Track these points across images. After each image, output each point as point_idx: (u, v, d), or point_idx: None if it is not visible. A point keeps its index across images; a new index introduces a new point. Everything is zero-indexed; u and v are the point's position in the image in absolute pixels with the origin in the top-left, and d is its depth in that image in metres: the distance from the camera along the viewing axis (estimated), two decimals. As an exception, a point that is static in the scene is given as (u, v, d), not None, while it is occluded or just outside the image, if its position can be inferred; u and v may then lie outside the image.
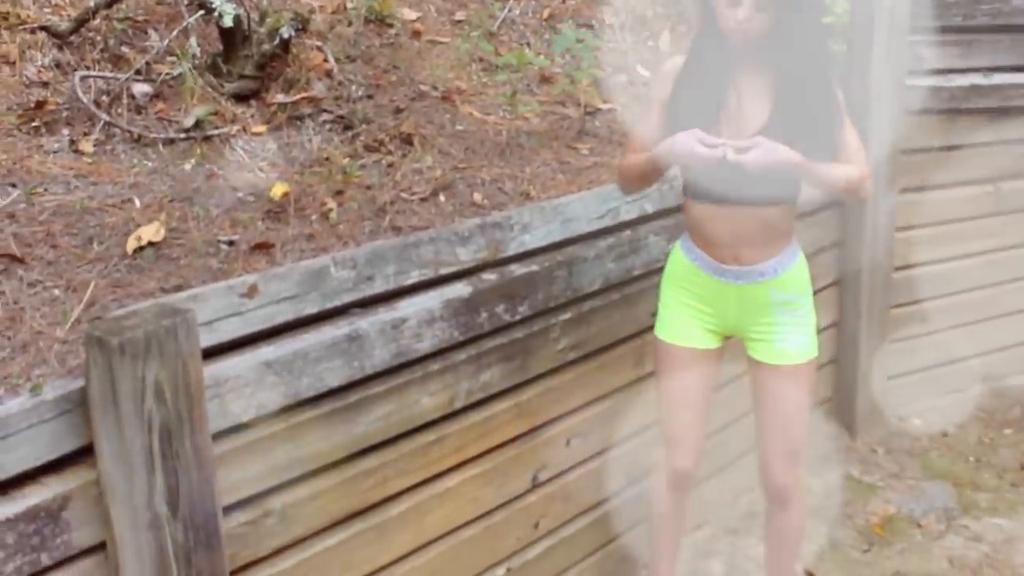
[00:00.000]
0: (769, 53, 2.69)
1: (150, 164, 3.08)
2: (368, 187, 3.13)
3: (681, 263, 2.97)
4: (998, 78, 4.44)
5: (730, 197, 2.75)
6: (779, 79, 2.70)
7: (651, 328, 3.39)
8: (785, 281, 2.89)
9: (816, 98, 2.71)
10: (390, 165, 3.28)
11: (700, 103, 2.73)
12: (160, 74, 3.38)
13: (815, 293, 3.02)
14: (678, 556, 3.31)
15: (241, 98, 3.40)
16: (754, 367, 2.99)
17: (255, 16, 3.51)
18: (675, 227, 3.30)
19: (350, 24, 3.83)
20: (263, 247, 2.77)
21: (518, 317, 2.98)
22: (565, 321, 3.13)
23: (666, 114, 2.78)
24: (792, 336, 2.92)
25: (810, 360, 2.95)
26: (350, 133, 3.39)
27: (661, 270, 3.35)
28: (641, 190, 3.11)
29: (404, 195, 3.13)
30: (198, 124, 3.23)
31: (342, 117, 3.44)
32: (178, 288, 2.51)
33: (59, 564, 2.14)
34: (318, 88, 3.53)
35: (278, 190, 2.99)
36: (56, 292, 2.52)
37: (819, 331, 3.05)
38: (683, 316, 2.98)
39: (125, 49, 3.46)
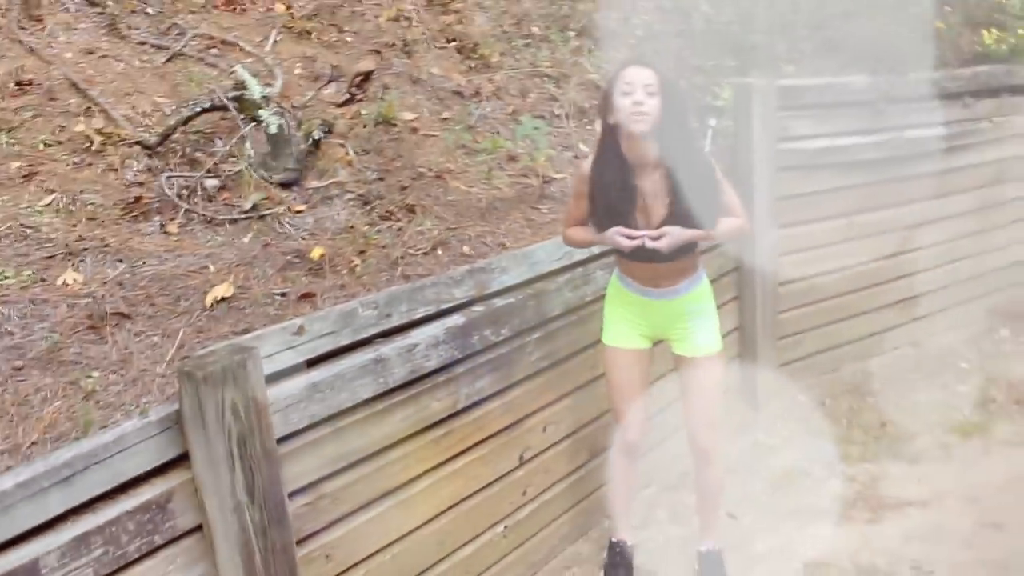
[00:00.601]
0: (657, 149, 2.73)
1: (220, 239, 3.08)
2: (384, 246, 3.14)
3: (618, 289, 3.01)
4: (843, 140, 4.49)
5: (651, 258, 2.82)
6: (667, 173, 2.75)
7: (600, 340, 3.41)
8: (694, 296, 2.95)
9: (700, 181, 2.76)
10: (399, 229, 3.28)
11: (616, 204, 2.78)
12: (224, 171, 3.38)
13: (721, 306, 3.07)
14: (631, 509, 3.32)
15: (285, 186, 3.41)
16: (678, 360, 3.02)
17: (293, 123, 3.52)
18: (613, 263, 3.29)
19: (364, 126, 3.84)
20: (307, 296, 2.77)
21: (502, 338, 2.98)
22: (537, 339, 3.13)
23: (593, 210, 2.84)
24: (702, 334, 2.97)
25: (718, 352, 3.00)
26: (368, 207, 3.39)
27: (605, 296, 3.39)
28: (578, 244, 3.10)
29: (411, 251, 3.14)
30: (254, 207, 3.23)
31: (361, 195, 3.44)
32: (245, 331, 2.51)
33: (168, 543, 2.15)
34: (342, 175, 3.53)
35: (316, 252, 2.99)
36: (155, 339, 2.52)
37: (725, 335, 3.08)
38: (622, 326, 3.01)
39: (198, 154, 3.46)
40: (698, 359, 2.97)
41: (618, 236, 2.74)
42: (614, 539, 3.28)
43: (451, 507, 2.90)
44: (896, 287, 4.87)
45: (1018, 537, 3.40)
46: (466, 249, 3.21)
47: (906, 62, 4.69)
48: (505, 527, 3.14)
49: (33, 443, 2.14)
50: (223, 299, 2.70)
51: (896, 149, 4.60)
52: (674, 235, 2.72)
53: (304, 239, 3.14)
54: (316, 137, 3.49)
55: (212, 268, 2.87)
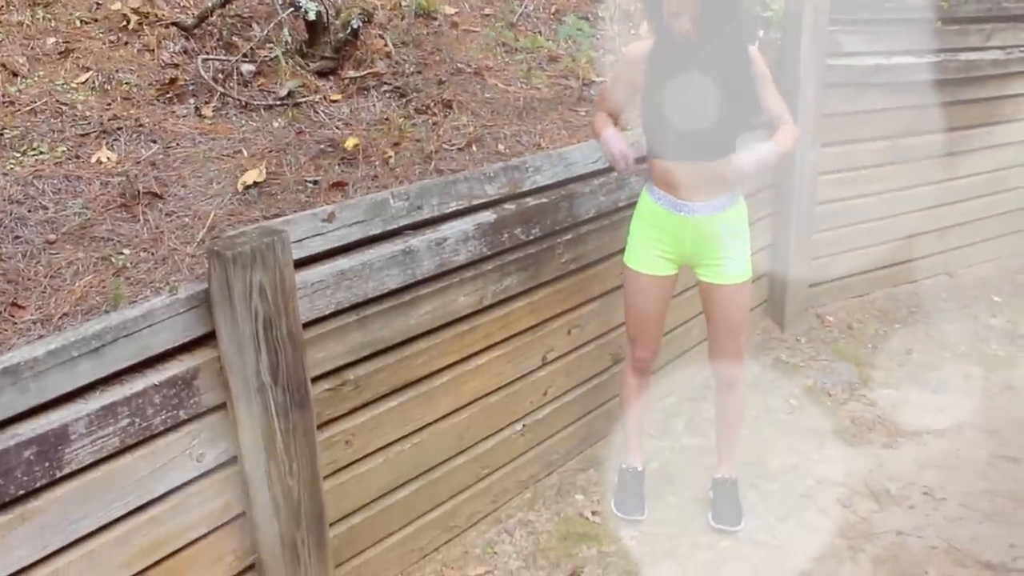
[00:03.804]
0: (705, 51, 2.63)
1: (254, 124, 3.05)
2: (418, 140, 3.10)
3: (648, 204, 2.90)
4: (896, 59, 4.35)
5: (685, 155, 2.72)
6: (717, 75, 2.64)
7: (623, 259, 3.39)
8: (731, 215, 2.84)
9: (746, 85, 2.69)
10: (435, 123, 3.24)
11: (668, 94, 2.67)
12: (261, 57, 3.33)
13: (756, 222, 3.00)
14: (644, 426, 3.30)
15: (322, 74, 3.36)
16: (704, 288, 2.93)
17: (332, 11, 3.45)
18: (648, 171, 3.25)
19: (403, 18, 3.76)
20: (339, 185, 2.75)
21: (532, 237, 2.96)
22: (567, 241, 3.11)
23: (644, 97, 2.73)
24: (735, 262, 2.88)
25: (747, 280, 2.91)
26: (404, 100, 3.34)
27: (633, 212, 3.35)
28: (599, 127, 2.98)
29: (445, 146, 3.10)
30: (290, 94, 3.19)
31: (398, 88, 3.39)
32: (276, 216, 2.51)
33: (193, 419, 2.17)
34: (380, 66, 3.48)
35: (350, 143, 2.96)
36: (186, 219, 2.52)
37: (757, 251, 3.02)
38: (648, 248, 2.90)
39: (235, 38, 3.41)
40: (726, 288, 2.88)
41: (615, 147, 2.72)
42: (624, 465, 3.25)
43: (472, 402, 2.92)
44: (935, 214, 4.78)
45: (1035, 469, 3.39)
46: (501, 147, 3.16)
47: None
48: (524, 425, 3.17)
49: (64, 314, 2.17)
50: (255, 184, 2.69)
51: (949, 71, 4.45)
52: (754, 167, 2.61)
53: (338, 129, 3.11)
54: (355, 26, 3.42)
55: (245, 153, 2.85)
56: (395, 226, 2.58)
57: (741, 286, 2.89)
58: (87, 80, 3.01)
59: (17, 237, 2.37)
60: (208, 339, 2.17)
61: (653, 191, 2.88)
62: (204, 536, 2.25)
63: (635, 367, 3.10)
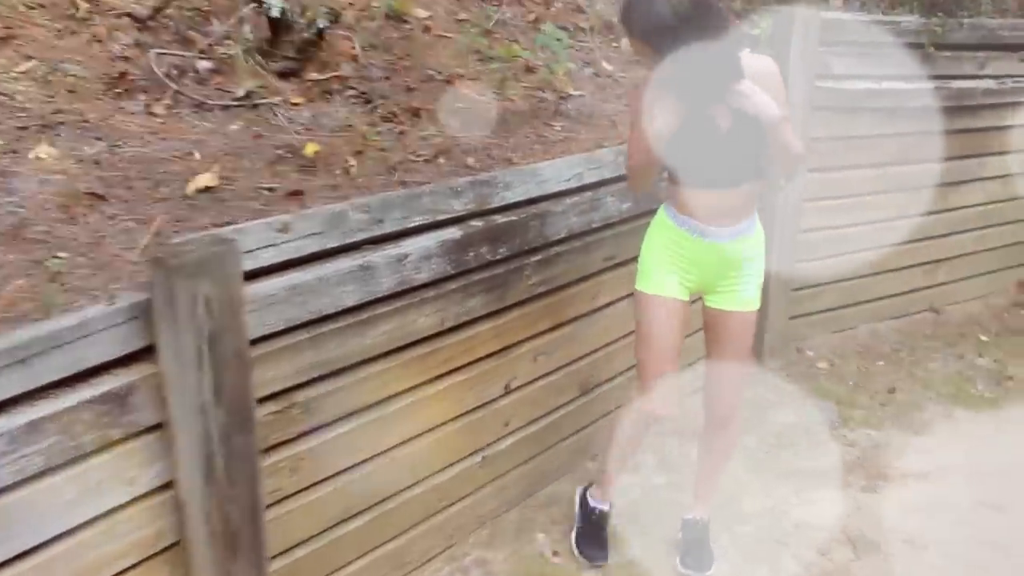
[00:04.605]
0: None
1: (209, 125, 3.03)
2: (382, 149, 3.09)
3: (667, 228, 2.83)
4: (887, 84, 4.41)
5: (719, 183, 2.71)
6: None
7: (604, 271, 3.41)
8: (754, 239, 2.85)
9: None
10: (401, 132, 3.24)
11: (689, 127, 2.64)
12: (219, 54, 3.31)
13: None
14: (627, 464, 3.25)
15: (283, 75, 3.35)
16: (713, 315, 2.90)
17: (297, 9, 3.44)
18: (626, 190, 3.27)
19: (373, 19, 3.76)
20: (296, 194, 2.73)
21: (499, 257, 2.96)
22: (536, 262, 3.11)
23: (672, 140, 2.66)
24: (750, 287, 2.88)
25: (757, 308, 2.92)
26: (370, 106, 3.34)
27: (614, 224, 3.37)
28: (647, 182, 2.89)
29: (411, 157, 3.09)
30: (248, 95, 3.18)
31: (364, 93, 3.39)
32: (227, 223, 2.47)
33: (126, 438, 2.14)
34: (345, 69, 3.47)
35: (310, 149, 2.95)
36: (130, 224, 2.49)
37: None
38: (667, 274, 2.84)
39: (192, 33, 3.39)
40: (739, 314, 2.86)
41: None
42: (593, 504, 3.20)
43: (429, 430, 2.91)
44: (923, 248, 4.84)
45: (1019, 519, 3.42)
46: (470, 160, 3.17)
47: (962, 5, 4.59)
48: (484, 457, 3.16)
49: (-9, 320, 2.13)
50: (206, 188, 2.66)
51: (941, 99, 4.52)
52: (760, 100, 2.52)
53: (298, 134, 3.09)
54: (320, 26, 3.41)
55: (197, 155, 2.83)
56: (354, 240, 2.56)
57: (752, 314, 2.90)
58: (28, 70, 2.98)
59: (-56, 236, 2.33)
60: (147, 353, 2.14)
61: (675, 216, 2.82)
62: (134, 566, 2.21)
63: (642, 420, 2.97)
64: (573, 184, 3.20)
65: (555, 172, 3.14)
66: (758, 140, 2.64)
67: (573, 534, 3.22)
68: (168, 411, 2.16)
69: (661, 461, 3.71)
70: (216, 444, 2.21)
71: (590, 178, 3.26)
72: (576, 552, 3.16)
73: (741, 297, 2.87)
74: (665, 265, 2.84)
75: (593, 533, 3.18)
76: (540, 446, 3.40)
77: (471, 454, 3.11)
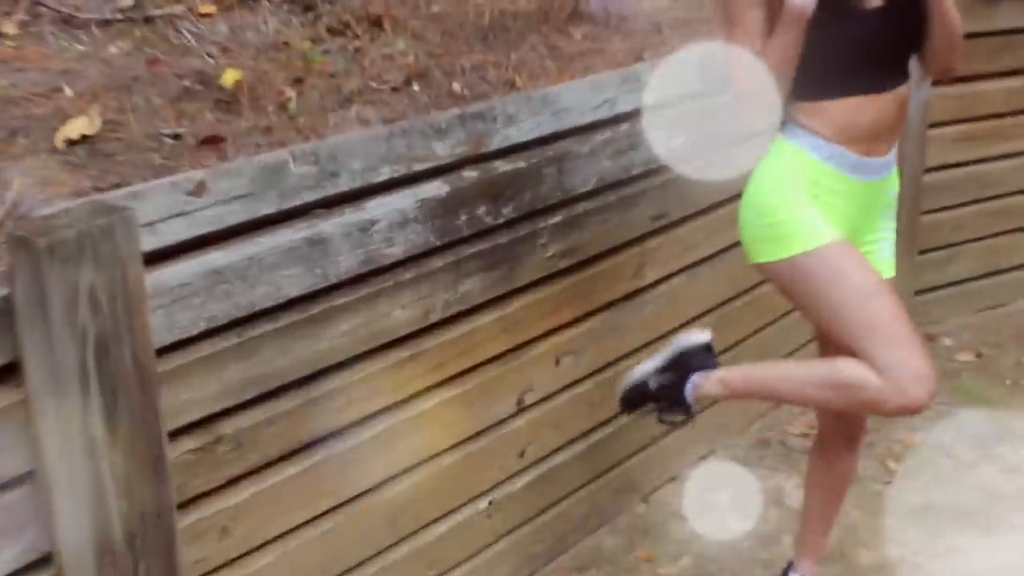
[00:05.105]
0: None
1: (82, 48, 3.03)
2: (332, 75, 3.10)
3: (808, 166, 2.77)
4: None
5: (876, 84, 2.70)
6: None
7: (651, 234, 3.40)
8: (896, 176, 2.90)
9: None
10: (357, 50, 3.24)
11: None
12: (95, -54, 3.31)
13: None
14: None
15: (187, -26, 3.34)
16: None
17: None
18: (682, 117, 3.24)
19: None
20: (212, 141, 2.72)
21: (502, 220, 2.95)
22: (555, 225, 3.10)
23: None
24: (888, 244, 2.91)
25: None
26: (311, 14, 3.35)
27: (662, 170, 3.35)
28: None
29: (373, 84, 3.10)
30: (138, 3, 3.17)
31: (302, -4, 3.39)
32: (116, 186, 2.46)
33: (-19, 496, 2.12)
34: (275, -38, 3.46)
35: (229, 78, 2.94)
36: (-25, 191, 2.48)
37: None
38: (817, 219, 2.76)
39: (54, -82, 3.38)
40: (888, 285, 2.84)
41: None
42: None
43: (413, 467, 2.91)
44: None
45: None
46: (456, 86, 3.17)
47: None
48: (491, 502, 3.16)
49: None
50: (83, 138, 2.65)
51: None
52: None
53: (211, 57, 3.10)
54: (236, -99, 3.40)
55: (68, 91, 2.82)
56: (297, 203, 2.55)
57: (893, 281, 2.89)
58: None
59: None
60: (8, 374, 2.11)
61: (818, 146, 2.76)
62: None
63: (911, 400, 2.70)
64: (603, 114, 3.19)
65: (577, 98, 3.12)
66: (915, 19, 2.66)
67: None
68: (41, 455, 2.14)
69: (738, 497, 3.72)
70: (112, 500, 2.18)
71: (626, 105, 3.25)
72: None
73: (883, 256, 2.89)
74: (814, 207, 2.77)
75: None
76: (569, 485, 3.41)
77: (473, 499, 3.11)
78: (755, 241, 2.81)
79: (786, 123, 2.80)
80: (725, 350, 3.76)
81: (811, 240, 2.72)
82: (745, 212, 2.83)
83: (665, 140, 3.35)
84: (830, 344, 2.89)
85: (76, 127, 2.66)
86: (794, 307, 2.98)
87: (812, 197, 2.75)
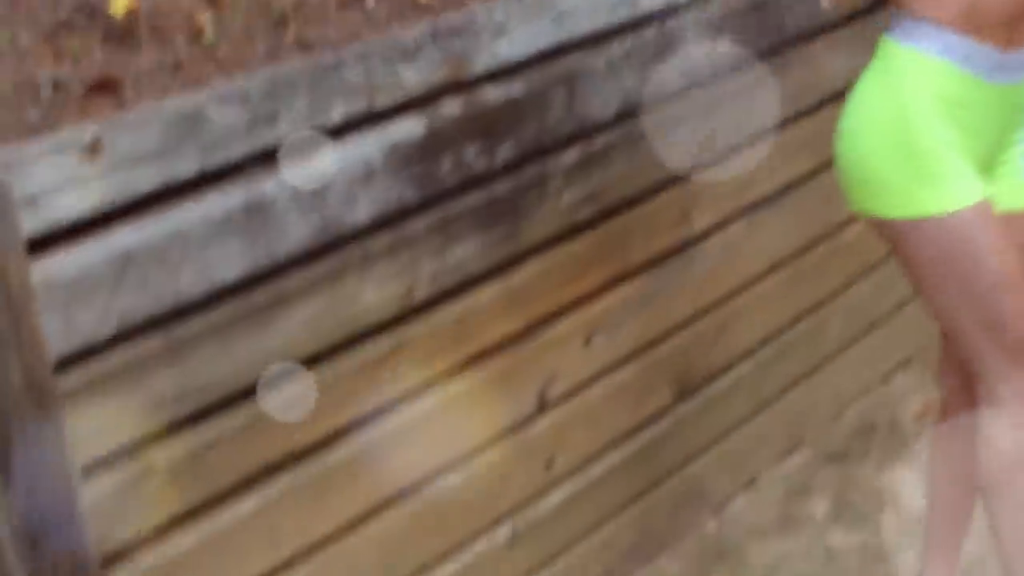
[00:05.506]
0: None
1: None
2: (260, -10, 3.09)
3: (937, 73, 2.77)
4: None
5: None
6: None
7: (697, 168, 3.39)
8: None
9: None
10: (290, -46, 3.22)
11: None
12: None
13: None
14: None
15: None
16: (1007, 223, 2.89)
17: None
18: (727, 14, 3.24)
19: None
20: (105, 86, 2.70)
21: (499, 163, 2.95)
22: (569, 165, 3.10)
23: None
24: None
25: None
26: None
27: (708, 82, 3.33)
28: None
29: (313, -3, 3.09)
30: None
31: None
32: (-16, 151, 2.47)
33: None
34: None
35: (120, 3, 2.92)
36: None
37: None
38: (957, 159, 2.78)
39: None
40: None
41: None
42: None
43: (406, 493, 2.91)
44: None
45: None
46: None
47: None
48: (514, 530, 3.17)
49: None
50: (-68, 95, 2.65)
51: None
52: None
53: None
54: None
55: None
56: (227, 158, 2.53)
57: None
58: None
59: None
60: None
61: (946, 44, 2.75)
62: None
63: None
64: (623, 15, 3.18)
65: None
66: None
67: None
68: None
69: (837, 504, 3.72)
70: (13, 561, 2.19)
71: (656, 0, 3.23)
72: None
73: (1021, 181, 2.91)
74: (947, 145, 2.77)
75: None
76: (613, 502, 3.43)
77: (488, 528, 3.12)
78: (860, 186, 2.83)
79: (897, 17, 2.78)
80: (799, 317, 3.76)
81: (942, 199, 2.73)
82: (846, 147, 2.83)
83: (707, 45, 3.34)
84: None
85: (-79, 81, 2.67)
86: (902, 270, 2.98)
87: (943, 121, 2.74)
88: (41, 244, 2.28)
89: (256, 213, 2.54)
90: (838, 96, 3.53)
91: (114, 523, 2.43)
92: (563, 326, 3.18)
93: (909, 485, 3.73)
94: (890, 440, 3.98)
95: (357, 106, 2.72)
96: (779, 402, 3.73)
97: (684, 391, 3.51)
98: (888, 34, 2.78)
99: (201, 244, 2.46)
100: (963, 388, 3.03)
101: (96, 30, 2.89)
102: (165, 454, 2.49)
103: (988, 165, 2.86)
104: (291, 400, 2.67)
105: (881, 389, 4.18)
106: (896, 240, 2.84)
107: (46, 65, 2.76)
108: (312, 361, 2.69)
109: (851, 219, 3.79)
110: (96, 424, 2.38)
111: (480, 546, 3.10)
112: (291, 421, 2.67)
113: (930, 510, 3.22)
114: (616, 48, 3.17)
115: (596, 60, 3.13)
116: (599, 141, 3.16)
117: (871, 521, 3.62)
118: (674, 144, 3.34)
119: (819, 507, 3.72)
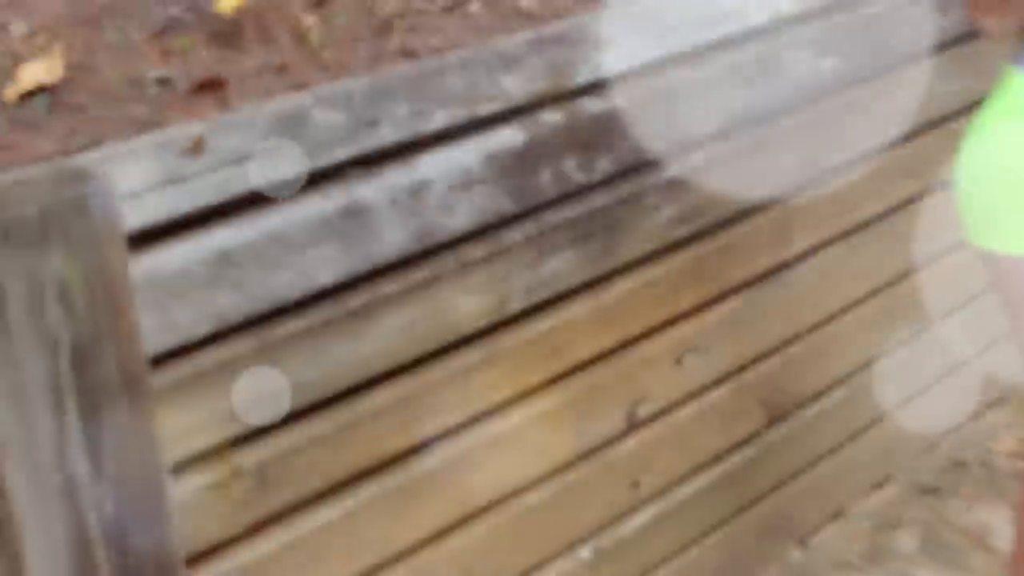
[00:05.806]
0: None
1: (39, -29, 3.07)
2: (365, -6, 3.12)
3: None
4: None
5: None
6: None
7: (799, 188, 3.38)
8: None
9: None
10: (396, -39, 3.24)
11: None
12: None
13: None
14: None
15: None
16: None
17: None
18: (833, 32, 3.23)
19: None
20: (211, 86, 2.74)
21: (597, 176, 2.96)
22: (669, 181, 3.10)
23: None
24: None
25: None
26: (335, -84, 3.36)
27: (819, 97, 3.34)
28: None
29: (419, 3, 3.11)
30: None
31: None
32: (87, 148, 2.49)
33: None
34: None
35: (228, 3, 2.96)
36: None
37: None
38: None
39: None
40: None
41: None
42: None
43: (490, 506, 2.93)
44: None
45: None
46: (526, 2, 3.17)
47: None
48: (596, 549, 3.17)
49: None
50: (41, 88, 2.68)
51: None
52: None
53: (205, -23, 3.12)
54: None
55: (21, 29, 2.86)
56: (327, 162, 2.56)
57: None
58: None
59: None
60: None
61: None
62: None
63: None
64: (729, 28, 3.19)
65: (690, 10, 3.12)
66: None
67: None
68: (7, 500, 2.17)
69: (929, 536, 3.71)
70: (101, 552, 2.21)
71: (760, 14, 3.24)
72: None
73: None
74: None
75: None
76: (698, 525, 3.42)
77: (571, 546, 3.13)
78: (977, 218, 2.79)
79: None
80: (894, 345, 3.73)
81: None
82: (967, 178, 2.81)
83: (811, 61, 3.33)
84: None
85: (33, 74, 2.69)
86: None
87: None
88: (141, 240, 2.31)
89: (354, 217, 2.56)
90: (943, 120, 3.53)
91: (200, 523, 2.46)
92: (655, 345, 3.18)
93: (999, 524, 3.71)
94: (981, 477, 3.96)
95: (458, 114, 2.74)
96: (870, 432, 3.71)
97: (775, 416, 3.50)
98: (1015, 66, 2.74)
99: (299, 246, 2.49)
100: None
101: (203, 29, 2.92)
102: (254, 456, 2.52)
103: None
104: (381, 406, 2.70)
105: (972, 425, 4.16)
106: (1003, 276, 2.81)
107: (153, 62, 2.79)
108: (403, 369, 2.71)
109: (950, 248, 3.78)
110: (187, 423, 2.41)
111: (562, 564, 3.11)
112: (379, 429, 2.70)
113: (1017, 550, 3.20)
114: (720, 61, 3.18)
115: (699, 72, 3.13)
116: (698, 157, 3.17)
117: (959, 559, 3.60)
118: (774, 163, 3.34)
119: (907, 542, 3.69)
